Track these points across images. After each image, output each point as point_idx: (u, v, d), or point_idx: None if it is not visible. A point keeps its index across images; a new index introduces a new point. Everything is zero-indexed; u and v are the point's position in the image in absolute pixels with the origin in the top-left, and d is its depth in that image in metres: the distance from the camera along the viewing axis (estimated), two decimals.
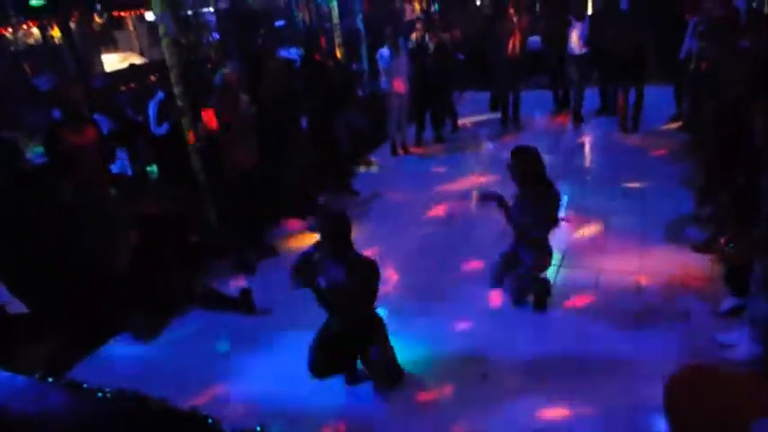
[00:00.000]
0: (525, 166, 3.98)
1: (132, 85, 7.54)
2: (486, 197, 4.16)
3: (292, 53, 8.33)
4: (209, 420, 0.99)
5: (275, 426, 3.21)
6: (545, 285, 4.33)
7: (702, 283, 4.32)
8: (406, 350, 3.82)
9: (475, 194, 4.32)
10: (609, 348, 3.76)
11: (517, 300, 4.34)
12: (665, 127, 8.09)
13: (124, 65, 10.20)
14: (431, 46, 8.32)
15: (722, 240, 4.03)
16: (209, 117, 5.16)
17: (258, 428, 1.00)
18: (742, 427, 0.44)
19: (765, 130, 3.29)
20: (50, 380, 1.20)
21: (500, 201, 4.08)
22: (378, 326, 3.57)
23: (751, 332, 3.43)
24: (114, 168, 5.57)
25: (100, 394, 1.11)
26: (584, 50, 8.18)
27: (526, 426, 3.21)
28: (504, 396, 3.45)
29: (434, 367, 3.78)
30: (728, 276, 3.94)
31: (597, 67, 8.63)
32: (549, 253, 4.23)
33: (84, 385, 1.14)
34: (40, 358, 4.17)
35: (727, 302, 3.90)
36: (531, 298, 4.33)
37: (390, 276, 4.98)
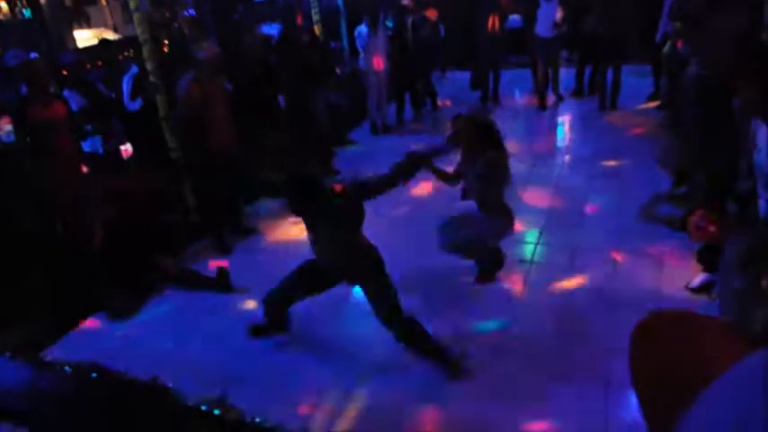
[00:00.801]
0: (467, 130, 4.05)
1: (101, 63, 7.35)
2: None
3: (275, 29, 8.20)
4: (170, 390, 0.97)
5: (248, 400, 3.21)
6: (497, 256, 4.36)
7: (675, 259, 4.38)
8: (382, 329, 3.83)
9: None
10: (584, 324, 3.80)
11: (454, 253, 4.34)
12: (643, 106, 8.14)
13: (97, 41, 9.95)
14: (409, 22, 8.26)
15: (695, 217, 4.09)
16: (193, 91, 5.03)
17: (217, 396, 0.99)
18: (708, 374, 0.43)
19: (745, 111, 3.31)
20: (7, 354, 1.18)
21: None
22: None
23: (721, 307, 3.49)
24: (86, 147, 5.46)
25: (58, 368, 1.08)
26: (552, 33, 8.12)
27: (504, 402, 3.24)
28: (480, 372, 3.47)
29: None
30: (700, 253, 4.01)
31: (576, 48, 8.63)
32: (509, 217, 4.20)
33: (42, 359, 1.12)
34: (15, 339, 4.12)
35: (699, 278, 3.96)
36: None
37: None
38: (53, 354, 4.07)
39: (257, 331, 3.91)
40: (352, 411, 3.30)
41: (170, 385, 1.00)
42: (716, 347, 0.51)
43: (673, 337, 0.61)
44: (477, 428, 3.12)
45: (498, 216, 4.16)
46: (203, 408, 0.94)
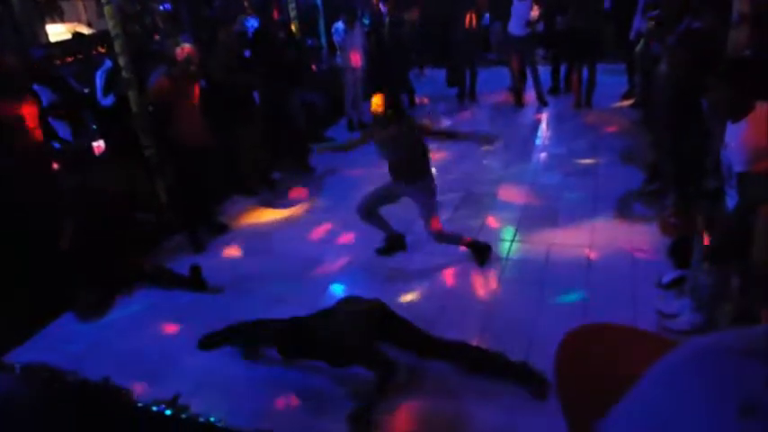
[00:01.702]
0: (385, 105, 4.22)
1: (71, 59, 7.21)
2: None
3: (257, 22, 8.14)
4: (122, 391, 0.95)
5: (212, 403, 3.16)
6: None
7: (647, 255, 4.43)
8: None
9: None
10: (558, 321, 3.81)
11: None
12: (618, 104, 8.23)
13: (70, 35, 9.77)
14: (387, 21, 8.26)
15: (666, 214, 4.16)
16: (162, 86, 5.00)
17: (170, 399, 0.97)
18: (625, 379, 0.43)
19: (714, 110, 3.36)
20: None
21: None
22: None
23: (692, 302, 3.54)
24: (56, 142, 5.34)
25: (9, 370, 1.05)
26: (525, 32, 8.16)
27: (478, 399, 3.24)
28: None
29: None
30: (672, 249, 4.06)
31: (551, 45, 8.68)
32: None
33: None
34: None
35: (670, 274, 4.01)
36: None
37: (346, 250, 4.97)
38: (19, 355, 3.99)
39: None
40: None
41: (123, 386, 0.97)
42: (640, 356, 0.51)
43: (597, 349, 0.61)
44: (452, 425, 3.12)
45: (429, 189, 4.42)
46: (155, 408, 0.92)
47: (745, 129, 2.87)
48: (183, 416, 0.91)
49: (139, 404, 0.91)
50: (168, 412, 0.90)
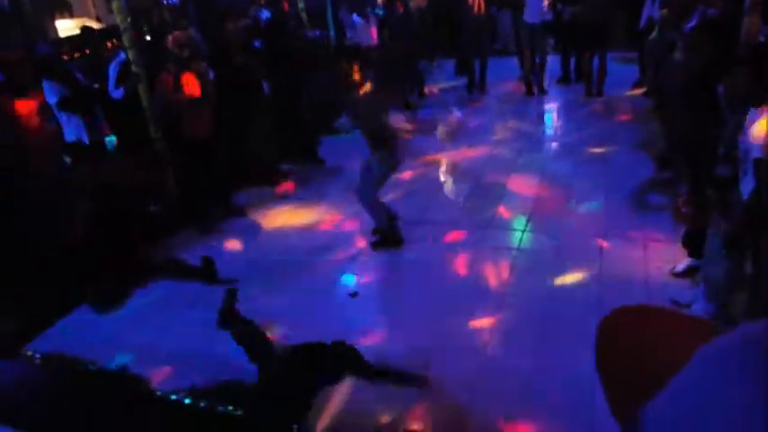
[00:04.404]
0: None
1: (79, 54, 7.24)
2: None
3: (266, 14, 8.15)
4: (140, 379, 0.95)
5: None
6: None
7: (661, 244, 4.40)
8: (358, 314, 3.82)
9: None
10: (571, 310, 3.79)
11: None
12: (629, 93, 8.15)
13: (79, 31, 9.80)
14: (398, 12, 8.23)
15: (679, 203, 4.12)
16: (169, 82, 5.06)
17: (188, 388, 0.97)
18: (667, 362, 0.42)
19: (732, 97, 3.31)
20: None
21: None
22: None
23: (705, 291, 3.51)
24: (69, 136, 5.37)
25: (28, 359, 1.06)
26: (539, 19, 8.09)
27: (490, 394, 3.24)
28: (467, 361, 3.47)
29: (389, 334, 3.78)
30: (685, 237, 4.02)
31: (561, 35, 8.62)
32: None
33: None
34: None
35: (684, 263, 3.98)
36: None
37: (355, 242, 4.98)
38: (38, 345, 4.01)
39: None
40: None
41: (140, 374, 0.98)
42: (683, 341, 0.50)
43: (639, 331, 0.60)
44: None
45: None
46: (174, 397, 0.92)
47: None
48: (202, 404, 0.91)
49: (158, 392, 0.92)
50: (187, 401, 0.90)
